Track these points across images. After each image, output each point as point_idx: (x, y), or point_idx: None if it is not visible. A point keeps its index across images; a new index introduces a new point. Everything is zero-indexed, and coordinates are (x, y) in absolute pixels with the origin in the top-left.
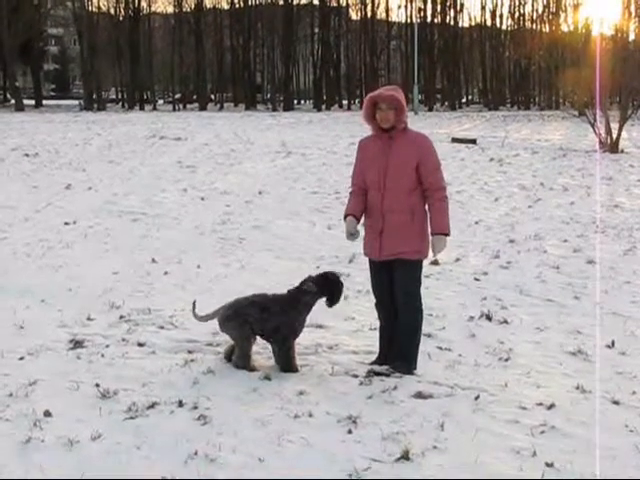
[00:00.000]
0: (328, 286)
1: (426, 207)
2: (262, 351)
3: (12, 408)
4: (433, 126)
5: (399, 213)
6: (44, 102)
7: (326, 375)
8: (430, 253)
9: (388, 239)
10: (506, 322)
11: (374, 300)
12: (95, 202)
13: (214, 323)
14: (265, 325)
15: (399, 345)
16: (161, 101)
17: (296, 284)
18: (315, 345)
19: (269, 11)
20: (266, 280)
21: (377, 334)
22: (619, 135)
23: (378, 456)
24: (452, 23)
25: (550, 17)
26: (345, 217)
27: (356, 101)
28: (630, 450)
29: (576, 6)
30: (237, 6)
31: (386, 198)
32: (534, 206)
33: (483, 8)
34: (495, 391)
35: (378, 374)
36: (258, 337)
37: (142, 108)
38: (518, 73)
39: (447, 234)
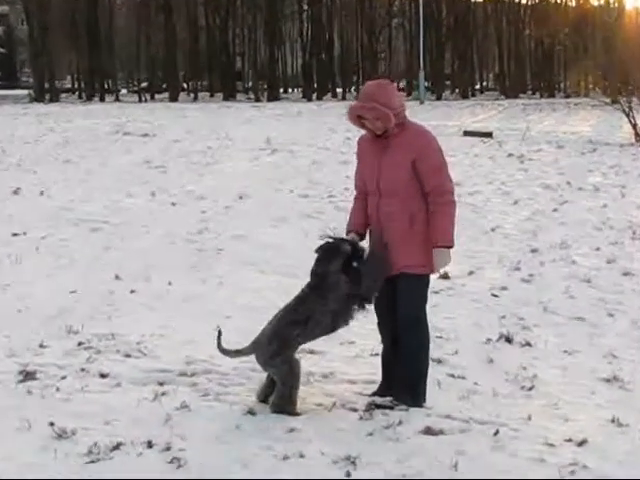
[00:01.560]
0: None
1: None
2: (244, 381)
3: None
4: (442, 117)
5: (398, 221)
6: None
7: (320, 409)
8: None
9: (390, 251)
10: (529, 345)
11: (376, 320)
12: (48, 209)
13: (189, 349)
14: (315, 333)
15: (403, 374)
16: (125, 91)
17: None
18: (307, 374)
19: None
20: (249, 299)
21: (379, 360)
22: None
23: None
24: None
25: None
26: (347, 233)
27: (352, 89)
28: None
29: None
30: None
31: (382, 204)
32: (560, 209)
33: None
34: (517, 425)
35: (380, 407)
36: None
37: (103, 99)
38: (540, 55)
39: (450, 246)
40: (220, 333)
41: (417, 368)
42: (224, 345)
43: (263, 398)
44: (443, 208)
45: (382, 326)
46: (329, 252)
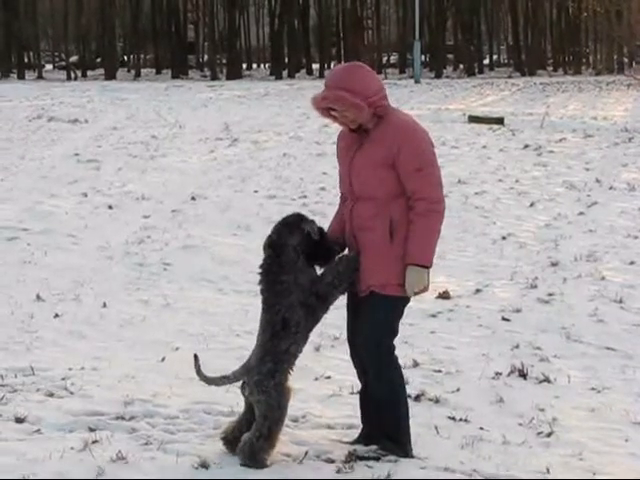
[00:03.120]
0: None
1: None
2: (195, 427)
3: None
4: (442, 99)
5: (374, 230)
6: None
7: (289, 460)
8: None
9: (362, 266)
10: (547, 381)
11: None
12: None
13: (127, 387)
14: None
15: (377, 420)
16: (50, 66)
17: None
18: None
19: None
20: (203, 324)
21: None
22: None
23: None
24: None
25: None
26: None
27: (331, 65)
28: None
29: None
30: None
31: (356, 209)
32: (587, 213)
33: None
34: None
35: (363, 458)
36: None
37: (22, 76)
38: (564, 22)
39: (426, 266)
40: (197, 358)
41: (393, 414)
42: (204, 372)
43: (230, 437)
44: (422, 219)
45: (354, 359)
46: (290, 224)
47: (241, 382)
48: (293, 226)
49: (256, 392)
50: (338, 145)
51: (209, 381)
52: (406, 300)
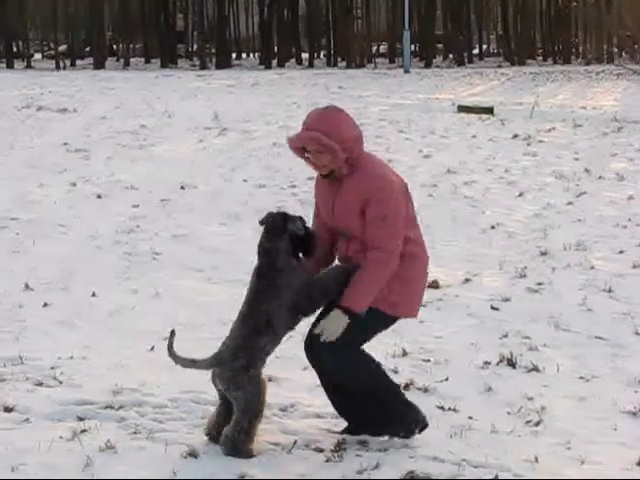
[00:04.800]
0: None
1: (412, 251)
2: (184, 416)
3: None
4: (431, 89)
5: (363, 259)
6: None
7: (277, 449)
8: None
9: None
10: (536, 370)
11: None
12: None
13: (116, 376)
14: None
15: (366, 412)
16: (39, 55)
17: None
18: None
19: None
20: (192, 314)
21: None
22: None
23: None
24: None
25: None
26: None
27: (320, 54)
28: None
29: None
30: None
31: (341, 244)
32: (576, 203)
33: None
34: (521, 469)
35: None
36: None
37: (10, 65)
38: (553, 12)
39: (354, 313)
40: (173, 333)
41: (373, 399)
42: (176, 350)
43: (214, 433)
44: (371, 268)
45: (312, 360)
46: (278, 228)
47: (210, 372)
48: (281, 229)
49: (231, 388)
50: (316, 187)
51: (177, 360)
52: (392, 319)
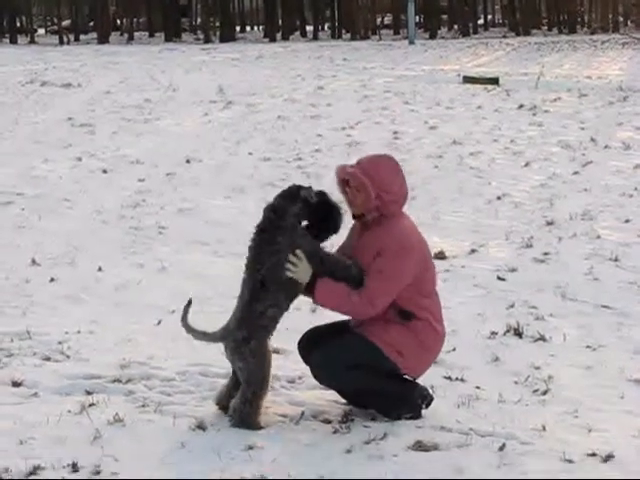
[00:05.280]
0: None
1: (431, 321)
2: (192, 389)
3: None
4: (436, 60)
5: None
6: None
7: (285, 421)
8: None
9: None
10: (543, 339)
11: None
12: None
13: (124, 350)
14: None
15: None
16: (42, 30)
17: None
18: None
19: None
20: (199, 288)
21: None
22: None
23: None
24: None
25: None
26: None
27: (325, 27)
28: None
29: None
30: None
31: None
32: (582, 172)
33: None
34: (528, 438)
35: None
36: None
37: (14, 41)
38: None
39: (313, 298)
40: (190, 303)
41: (370, 394)
42: (190, 322)
43: (225, 403)
44: (350, 294)
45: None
46: (291, 193)
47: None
48: (293, 195)
49: (235, 359)
50: (350, 230)
51: (189, 330)
52: (393, 365)
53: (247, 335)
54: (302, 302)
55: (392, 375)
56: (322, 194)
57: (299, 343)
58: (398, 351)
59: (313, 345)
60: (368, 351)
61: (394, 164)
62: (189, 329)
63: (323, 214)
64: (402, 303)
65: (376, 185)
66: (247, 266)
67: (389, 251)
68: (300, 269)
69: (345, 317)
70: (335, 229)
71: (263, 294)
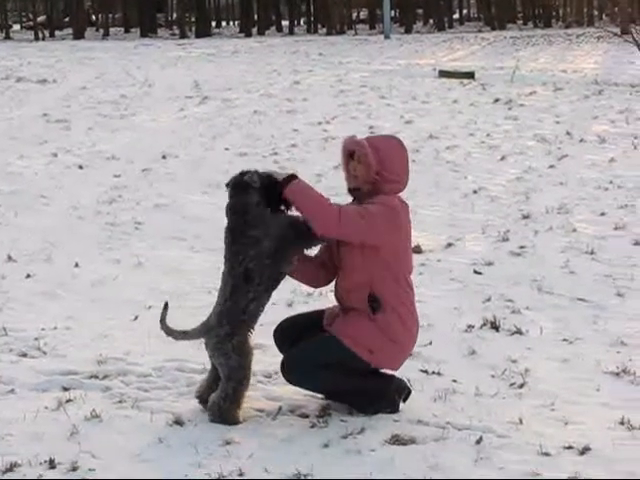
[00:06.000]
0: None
1: (395, 305)
2: (169, 385)
3: None
4: (412, 55)
5: (355, 301)
6: None
7: (263, 416)
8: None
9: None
10: (519, 332)
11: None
12: None
13: (100, 346)
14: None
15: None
16: (17, 26)
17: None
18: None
19: None
20: (176, 283)
21: None
22: None
23: None
24: None
25: None
26: None
27: (301, 21)
28: None
29: None
30: None
31: (340, 279)
32: (558, 166)
33: None
34: (505, 431)
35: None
36: None
37: None
38: None
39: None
40: (166, 306)
41: (343, 393)
42: (169, 323)
43: (205, 396)
44: (326, 204)
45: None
46: (241, 184)
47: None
48: (243, 185)
49: (216, 355)
50: None
51: (169, 332)
52: (361, 363)
53: (230, 331)
54: (278, 297)
55: (365, 372)
56: (269, 175)
57: (275, 333)
58: (369, 349)
59: (287, 338)
60: (339, 351)
61: (402, 147)
62: (169, 331)
63: (275, 194)
64: (375, 287)
65: (378, 159)
66: (228, 258)
67: (375, 204)
68: None
69: (320, 307)
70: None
71: (245, 287)
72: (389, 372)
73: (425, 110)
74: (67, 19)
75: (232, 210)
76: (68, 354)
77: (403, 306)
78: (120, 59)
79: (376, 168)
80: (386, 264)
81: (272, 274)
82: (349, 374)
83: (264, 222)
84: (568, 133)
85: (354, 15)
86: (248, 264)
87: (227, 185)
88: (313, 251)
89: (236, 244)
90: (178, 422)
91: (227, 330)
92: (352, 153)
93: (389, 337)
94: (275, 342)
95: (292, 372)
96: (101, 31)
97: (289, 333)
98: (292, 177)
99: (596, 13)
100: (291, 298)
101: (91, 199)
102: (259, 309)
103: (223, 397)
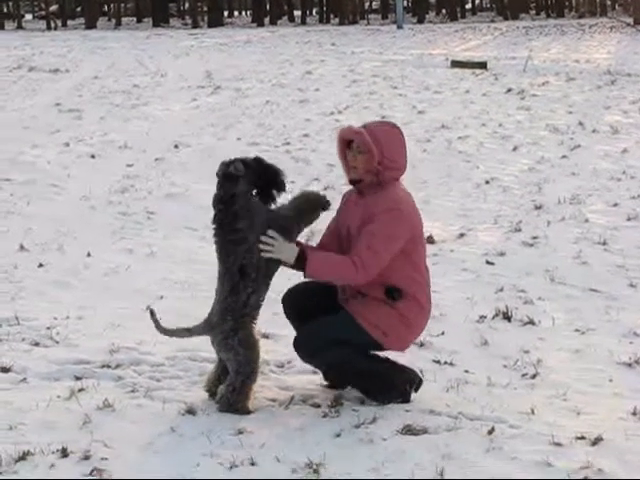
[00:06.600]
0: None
1: (413, 291)
2: (181, 374)
3: None
4: (425, 45)
5: (371, 290)
6: None
7: (275, 405)
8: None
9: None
10: (532, 323)
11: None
12: None
13: (113, 335)
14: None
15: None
16: (29, 16)
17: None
18: (259, 363)
19: None
20: (188, 273)
21: None
22: None
23: None
24: None
25: None
26: None
27: (313, 11)
28: None
29: None
30: None
31: None
32: (570, 156)
33: None
34: (517, 421)
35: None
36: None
37: (1, 26)
38: None
39: (303, 267)
40: (153, 312)
41: (355, 374)
42: (164, 325)
43: (214, 389)
44: (344, 261)
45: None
46: (228, 174)
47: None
48: (229, 176)
49: (224, 351)
50: (342, 201)
51: (169, 333)
52: (375, 343)
53: (234, 326)
54: (284, 288)
55: (377, 357)
56: (257, 160)
57: (284, 299)
58: (383, 332)
59: (296, 305)
60: (352, 330)
61: (399, 133)
62: (169, 332)
63: (265, 178)
64: (393, 277)
65: (380, 149)
66: (221, 257)
67: (382, 215)
68: (280, 248)
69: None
70: (280, 187)
71: (243, 283)
72: (399, 363)
73: (437, 100)
74: (79, 9)
75: (219, 202)
76: (80, 343)
77: (422, 292)
78: (132, 49)
79: (378, 157)
80: (406, 255)
81: (267, 265)
82: (359, 354)
83: (250, 214)
84: (581, 123)
85: (366, 5)
86: (242, 261)
87: (217, 175)
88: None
89: (227, 243)
90: (190, 411)
91: (231, 325)
92: (349, 142)
93: (405, 320)
94: (284, 309)
95: (304, 345)
96: (113, 21)
97: (298, 300)
98: (301, 254)
99: (609, 3)
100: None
101: (103, 188)
102: (259, 300)
103: (231, 390)
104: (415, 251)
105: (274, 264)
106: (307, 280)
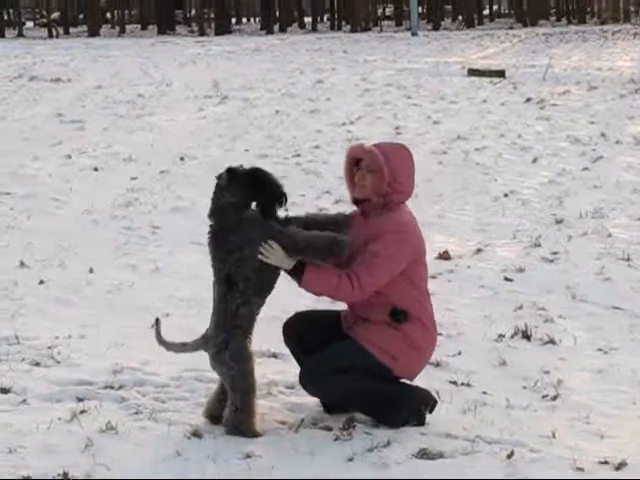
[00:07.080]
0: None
1: (417, 312)
2: (187, 395)
3: None
4: (440, 52)
5: (375, 314)
6: None
7: (285, 428)
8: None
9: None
10: (552, 342)
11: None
12: None
13: (116, 355)
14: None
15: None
16: (31, 23)
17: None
18: (268, 384)
19: None
20: (194, 289)
21: None
22: None
23: None
24: None
25: None
26: None
27: (324, 18)
28: None
29: None
30: None
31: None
32: (592, 168)
33: None
34: (537, 445)
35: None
36: None
37: (1, 34)
38: None
39: (300, 280)
40: (158, 321)
41: (361, 401)
42: (165, 337)
43: (216, 414)
44: (340, 277)
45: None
46: (218, 186)
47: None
48: (217, 185)
49: (217, 365)
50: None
51: (168, 346)
52: (384, 370)
53: (225, 338)
54: (293, 306)
55: (387, 380)
56: (253, 171)
57: (285, 326)
58: (392, 356)
59: (296, 334)
60: (360, 355)
61: (409, 155)
62: (168, 345)
63: (260, 190)
64: (396, 299)
65: (390, 170)
66: (214, 270)
67: (388, 235)
68: (278, 255)
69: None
70: (277, 200)
71: (231, 293)
72: (412, 383)
73: (453, 110)
74: (82, 16)
75: (212, 216)
76: (82, 363)
77: (426, 313)
78: (137, 57)
79: (388, 178)
80: (407, 277)
81: (259, 280)
82: (369, 381)
83: (243, 227)
84: (603, 134)
85: (379, 11)
86: (230, 269)
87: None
88: None
89: (218, 252)
90: (196, 434)
91: (222, 338)
92: (358, 161)
93: (412, 345)
94: (284, 336)
95: (309, 379)
96: (117, 28)
97: (299, 329)
98: (299, 264)
99: (632, 9)
100: (315, 306)
101: (106, 202)
102: (252, 313)
103: (234, 410)
104: (417, 273)
105: (267, 276)
106: (311, 309)
